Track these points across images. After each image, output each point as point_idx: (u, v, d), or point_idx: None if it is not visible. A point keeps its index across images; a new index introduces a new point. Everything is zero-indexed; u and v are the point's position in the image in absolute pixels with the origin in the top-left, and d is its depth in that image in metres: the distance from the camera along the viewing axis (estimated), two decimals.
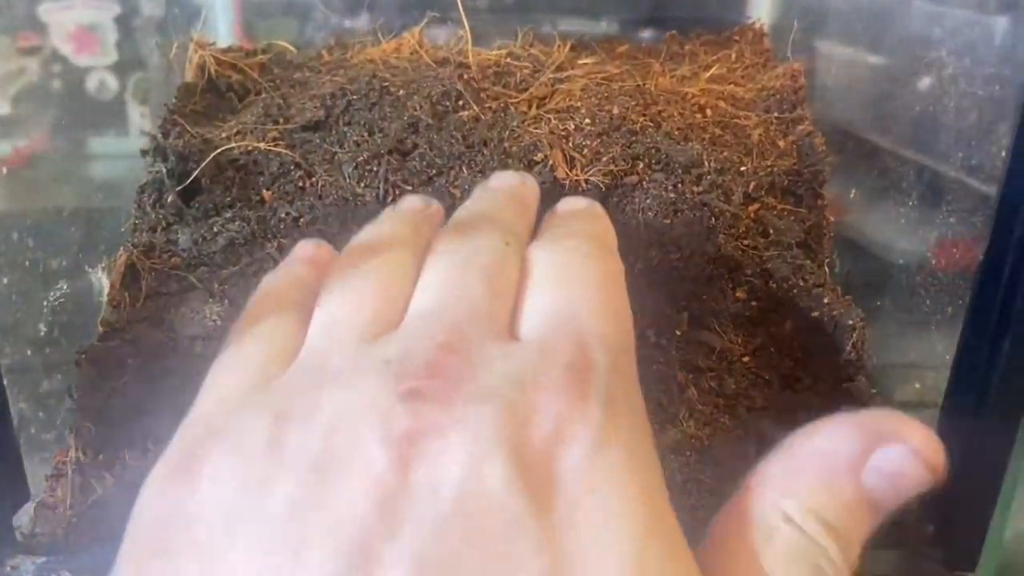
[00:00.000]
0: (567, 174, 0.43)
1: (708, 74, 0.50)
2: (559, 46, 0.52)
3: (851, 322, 0.37)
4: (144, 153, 0.41)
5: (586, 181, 0.42)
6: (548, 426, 0.18)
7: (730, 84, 0.49)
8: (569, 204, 0.31)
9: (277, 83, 0.51)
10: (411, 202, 0.33)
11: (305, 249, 0.30)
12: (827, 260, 0.42)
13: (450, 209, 0.43)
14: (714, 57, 0.54)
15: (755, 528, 0.20)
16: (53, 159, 0.64)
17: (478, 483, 0.17)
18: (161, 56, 0.55)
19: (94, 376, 0.35)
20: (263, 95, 0.49)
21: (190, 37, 0.50)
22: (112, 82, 0.68)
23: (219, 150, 0.41)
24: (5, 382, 0.27)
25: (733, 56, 0.54)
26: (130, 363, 0.37)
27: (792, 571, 0.19)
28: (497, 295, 0.23)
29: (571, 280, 0.24)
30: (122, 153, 0.70)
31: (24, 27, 0.67)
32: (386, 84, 0.47)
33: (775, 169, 0.44)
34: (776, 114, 0.47)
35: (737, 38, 0.56)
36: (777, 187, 0.44)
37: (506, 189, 0.32)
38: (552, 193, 0.43)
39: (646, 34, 0.79)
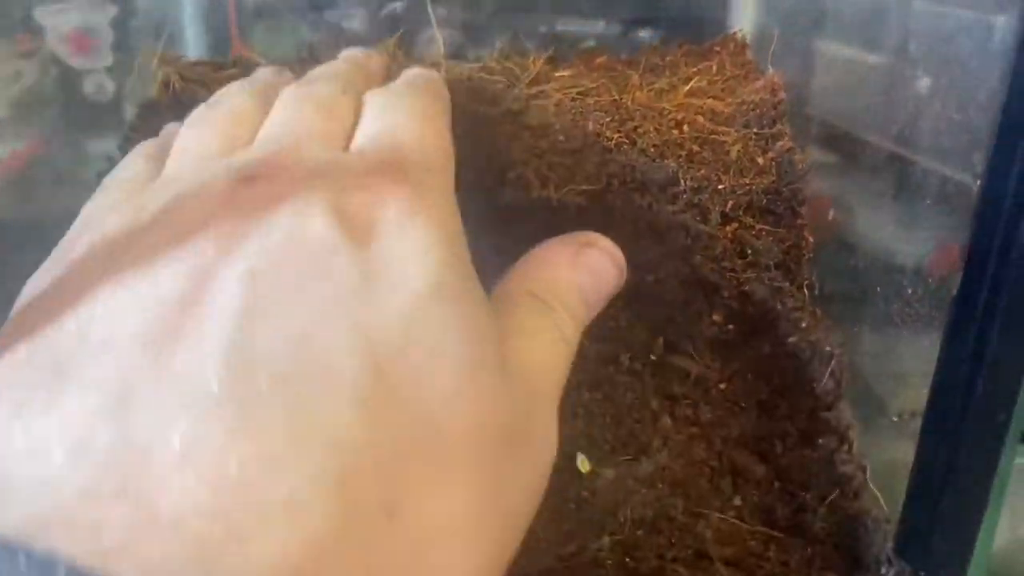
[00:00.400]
0: (540, 193, 0.41)
1: (687, 87, 0.49)
2: (534, 59, 0.51)
3: (829, 348, 0.36)
4: (100, 176, 0.40)
5: (559, 200, 0.41)
6: (366, 196, 0.22)
7: (710, 98, 0.48)
8: (412, 71, 0.36)
9: None
10: (264, 72, 0.39)
11: (264, 73, 0.38)
12: (806, 282, 0.41)
13: None
14: (694, 69, 0.53)
15: (511, 301, 0.26)
16: (51, 162, 0.64)
17: (304, 228, 0.20)
18: (133, 72, 0.54)
19: None
20: None
21: (154, 52, 0.48)
22: (109, 84, 0.67)
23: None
24: None
25: (714, 68, 0.52)
26: None
27: (537, 325, 0.26)
28: (330, 122, 0.26)
29: (397, 111, 0.27)
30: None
31: (20, 30, 0.67)
32: None
33: (753, 187, 0.43)
34: (755, 129, 0.46)
35: (719, 48, 0.55)
36: (755, 206, 0.42)
37: (350, 58, 0.37)
38: (530, 212, 0.42)
39: (643, 34, 0.78)
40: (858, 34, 0.52)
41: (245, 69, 0.53)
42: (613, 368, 0.40)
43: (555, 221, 0.42)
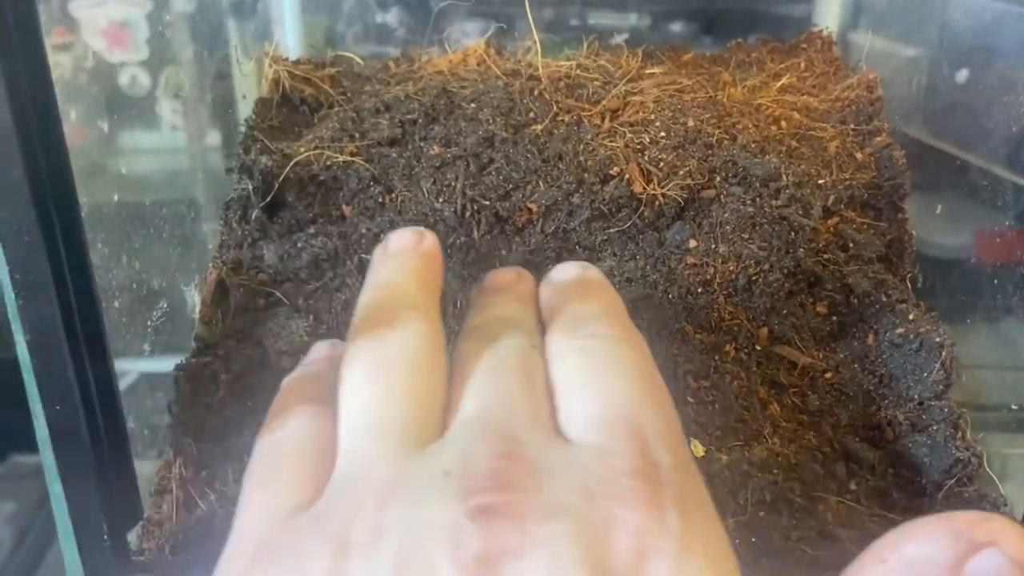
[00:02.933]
0: (644, 188, 0.43)
1: (779, 84, 0.50)
2: (628, 56, 0.52)
3: (939, 340, 0.37)
4: (229, 171, 0.42)
5: (663, 195, 0.42)
6: (628, 542, 0.18)
7: (803, 95, 0.49)
8: (563, 273, 0.29)
9: (348, 96, 0.51)
10: (403, 239, 0.28)
11: (320, 349, 0.29)
12: (909, 275, 0.42)
13: (527, 225, 0.44)
14: (783, 66, 0.53)
15: None
16: (86, 155, 0.65)
17: None
18: (240, 71, 0.56)
19: (190, 392, 0.36)
20: (336, 109, 0.49)
21: (264, 51, 0.51)
22: (144, 78, 0.69)
23: (293, 162, 0.41)
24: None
25: (802, 65, 0.53)
26: (223, 378, 0.37)
27: None
28: (534, 394, 0.22)
29: (605, 372, 0.23)
30: (155, 147, 0.71)
31: (56, 23, 0.68)
32: (457, 98, 0.47)
33: (854, 182, 0.44)
34: (852, 126, 0.46)
35: (805, 46, 0.56)
36: (856, 200, 0.43)
37: (505, 288, 0.30)
38: (629, 207, 0.43)
39: (674, 27, 0.78)
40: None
41: (344, 68, 0.55)
42: (719, 358, 0.41)
43: (657, 217, 0.43)
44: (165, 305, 0.44)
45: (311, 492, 0.21)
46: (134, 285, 0.48)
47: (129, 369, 0.49)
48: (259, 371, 0.39)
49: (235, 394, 0.37)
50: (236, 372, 0.38)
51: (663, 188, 0.43)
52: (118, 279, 0.47)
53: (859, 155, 0.45)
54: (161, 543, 0.32)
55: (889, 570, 0.20)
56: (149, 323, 0.43)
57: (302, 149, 0.45)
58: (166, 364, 0.37)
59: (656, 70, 0.52)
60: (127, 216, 0.51)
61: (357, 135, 0.46)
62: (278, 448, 0.23)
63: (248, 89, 0.52)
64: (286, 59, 0.51)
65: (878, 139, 0.45)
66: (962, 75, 0.54)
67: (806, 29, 0.58)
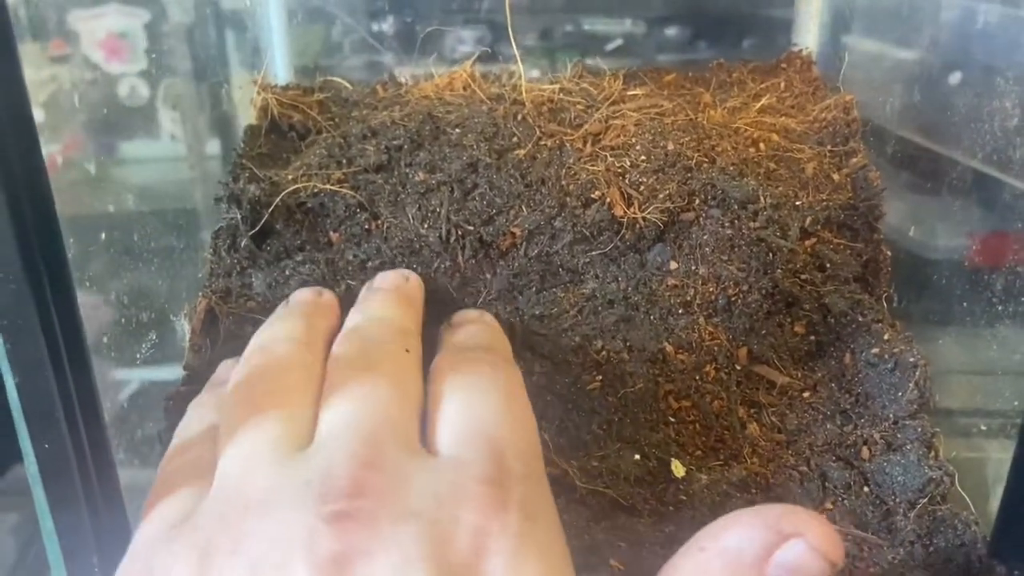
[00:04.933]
0: (625, 212, 0.44)
1: (759, 105, 0.51)
2: (610, 79, 0.53)
3: (912, 360, 0.38)
4: (218, 200, 0.43)
5: (644, 218, 0.43)
6: (469, 541, 0.19)
7: (781, 116, 0.50)
8: (463, 315, 0.34)
9: (336, 121, 0.52)
10: (302, 295, 0.35)
11: (225, 368, 0.31)
12: (884, 295, 0.43)
13: (510, 249, 0.45)
14: (763, 86, 0.54)
15: None
16: (86, 165, 0.66)
17: None
18: (225, 97, 0.57)
19: (179, 420, 0.37)
20: (324, 135, 0.50)
21: (252, 80, 0.51)
22: (143, 88, 0.70)
23: (285, 192, 0.42)
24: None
25: (782, 85, 0.54)
26: None
27: None
28: (406, 405, 0.24)
29: (476, 391, 0.25)
30: (154, 157, 0.72)
31: (55, 35, 0.69)
32: (442, 123, 0.48)
33: (830, 203, 0.44)
34: (829, 147, 0.47)
35: (784, 66, 0.57)
36: (833, 221, 0.44)
37: (392, 289, 0.33)
38: (611, 230, 0.44)
39: (669, 32, 0.79)
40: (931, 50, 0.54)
41: (333, 94, 0.56)
42: (699, 378, 0.42)
43: (638, 239, 0.44)
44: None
45: (192, 510, 0.22)
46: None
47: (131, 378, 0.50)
48: None
49: None
50: None
51: (644, 211, 0.43)
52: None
53: (836, 176, 0.46)
54: None
55: (708, 558, 0.22)
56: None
57: (290, 177, 0.46)
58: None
59: (638, 92, 0.53)
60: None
61: (344, 161, 0.47)
62: (171, 471, 0.25)
63: (241, 115, 0.53)
64: (274, 86, 0.52)
65: (854, 160, 0.46)
66: (955, 77, 0.55)
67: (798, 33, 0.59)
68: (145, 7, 0.71)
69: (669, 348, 0.42)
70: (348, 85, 0.57)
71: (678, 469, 0.38)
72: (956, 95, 0.52)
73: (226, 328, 0.41)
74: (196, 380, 0.39)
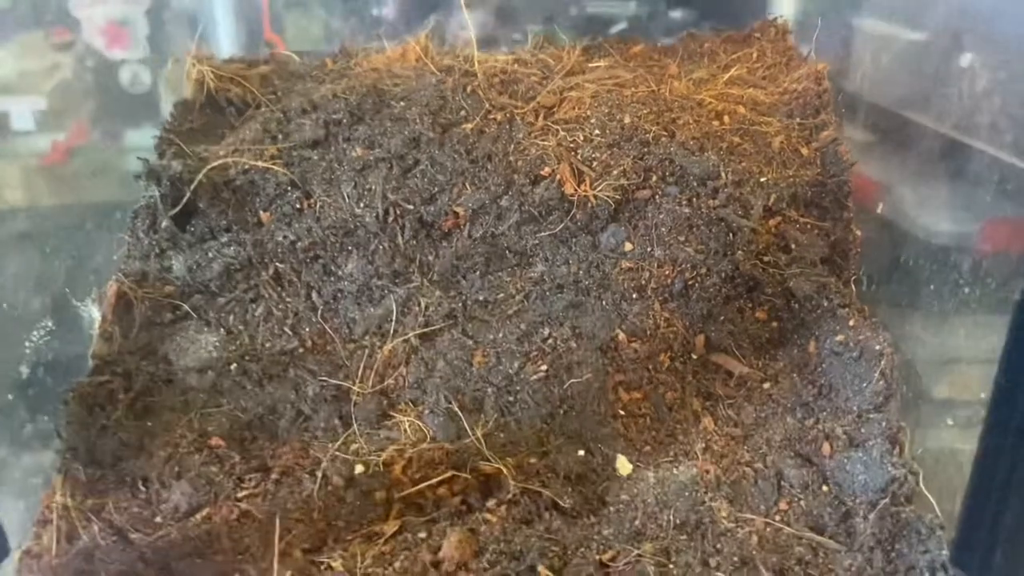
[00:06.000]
0: (575, 189, 0.41)
1: (727, 76, 0.48)
2: (569, 50, 0.50)
3: (879, 347, 0.35)
4: (136, 177, 0.40)
5: (595, 196, 0.40)
6: None
7: (750, 87, 0.47)
8: None
9: (278, 95, 0.49)
10: None
11: None
12: (853, 277, 0.40)
13: (453, 230, 0.42)
14: (734, 57, 0.51)
15: None
16: (91, 152, 0.64)
17: None
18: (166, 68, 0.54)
19: (83, 414, 0.34)
20: (263, 109, 0.47)
21: (187, 51, 0.48)
22: (145, 75, 0.68)
23: (207, 168, 0.39)
24: None
25: (755, 55, 0.51)
26: (121, 398, 0.35)
27: None
28: None
29: None
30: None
31: (55, 23, 0.68)
32: (387, 96, 0.45)
33: (797, 180, 0.41)
34: (799, 119, 0.44)
35: (759, 35, 0.53)
36: (800, 199, 0.41)
37: None
38: (560, 209, 0.41)
39: (674, 14, 0.75)
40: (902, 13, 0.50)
41: (278, 65, 0.53)
42: (653, 368, 0.39)
43: (590, 219, 0.41)
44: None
45: None
46: None
47: None
48: (163, 389, 0.37)
49: (135, 414, 0.35)
50: (137, 391, 0.36)
51: (596, 188, 0.40)
52: None
53: (804, 151, 0.43)
54: None
55: None
56: None
57: (221, 153, 0.43)
58: None
59: (600, 63, 0.50)
60: None
61: (280, 136, 0.44)
62: None
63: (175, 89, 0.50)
64: (211, 58, 0.49)
65: (824, 133, 0.43)
66: (965, 59, 0.51)
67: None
68: None
69: (622, 336, 0.39)
70: (296, 58, 0.53)
71: (624, 466, 0.35)
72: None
73: (141, 314, 0.38)
74: (104, 371, 0.36)
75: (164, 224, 0.40)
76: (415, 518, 0.33)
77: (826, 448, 0.34)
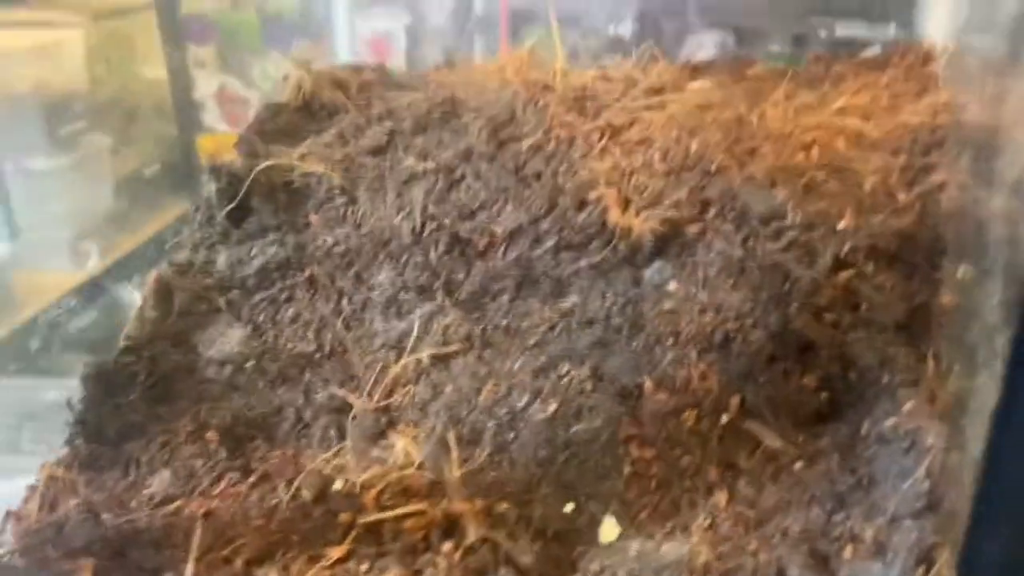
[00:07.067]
0: (620, 217, 0.37)
1: (837, 105, 0.42)
2: (664, 66, 0.46)
3: (930, 441, 0.28)
4: (204, 173, 0.42)
5: (639, 227, 0.37)
6: None
7: (861, 118, 0.41)
8: None
9: (370, 102, 0.50)
10: None
11: None
12: (932, 351, 0.33)
13: (488, 249, 0.40)
14: (860, 83, 0.45)
15: None
16: None
17: None
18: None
19: (100, 391, 0.36)
20: (351, 114, 0.48)
21: (292, 56, 0.50)
22: None
23: (258, 168, 0.40)
24: None
25: (884, 81, 0.44)
26: (141, 380, 0.37)
27: None
28: None
29: None
30: None
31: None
32: (460, 108, 0.44)
33: (884, 229, 0.35)
34: (905, 158, 0.37)
35: (898, 60, 0.46)
36: (882, 251, 0.35)
37: None
38: (601, 237, 0.38)
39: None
40: None
41: (383, 73, 0.54)
42: (675, 425, 0.34)
43: (633, 252, 0.37)
44: None
45: None
46: None
47: None
48: (184, 378, 0.38)
49: (151, 399, 0.37)
50: (158, 376, 0.37)
51: (640, 218, 0.37)
52: None
53: (902, 195, 0.36)
54: (21, 539, 0.32)
55: None
56: None
57: (295, 154, 0.44)
58: None
59: (698, 83, 0.46)
60: None
61: (352, 142, 0.44)
62: None
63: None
64: (309, 62, 0.50)
65: (933, 177, 0.36)
66: None
67: None
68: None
69: (648, 384, 0.35)
70: (404, 69, 0.54)
71: (609, 531, 0.32)
72: None
73: (180, 303, 0.40)
74: (132, 352, 0.38)
75: (219, 218, 0.41)
76: (367, 548, 0.31)
77: (848, 551, 0.29)
